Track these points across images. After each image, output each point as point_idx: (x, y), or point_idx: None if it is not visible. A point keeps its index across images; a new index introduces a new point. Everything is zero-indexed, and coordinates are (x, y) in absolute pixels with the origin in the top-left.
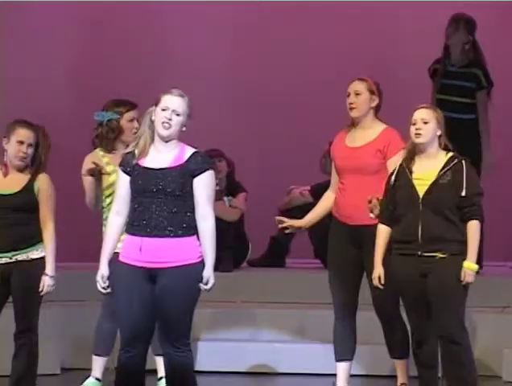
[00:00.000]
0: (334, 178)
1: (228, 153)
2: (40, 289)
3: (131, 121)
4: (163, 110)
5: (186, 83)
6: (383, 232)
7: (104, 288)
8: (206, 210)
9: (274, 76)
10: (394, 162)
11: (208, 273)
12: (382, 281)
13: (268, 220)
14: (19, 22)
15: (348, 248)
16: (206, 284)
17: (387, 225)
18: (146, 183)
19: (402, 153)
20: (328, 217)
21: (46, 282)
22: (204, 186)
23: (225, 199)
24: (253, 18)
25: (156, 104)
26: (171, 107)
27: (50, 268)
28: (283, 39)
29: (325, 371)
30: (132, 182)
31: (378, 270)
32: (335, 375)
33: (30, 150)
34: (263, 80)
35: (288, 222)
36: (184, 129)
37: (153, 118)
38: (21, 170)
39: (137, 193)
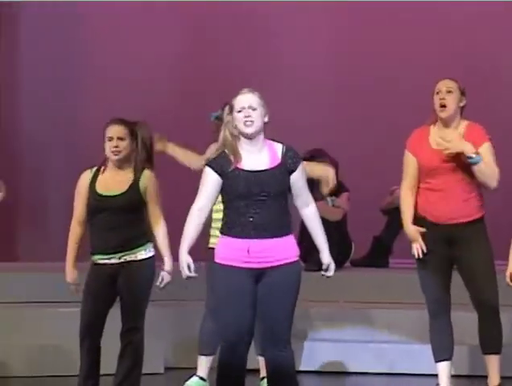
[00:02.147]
0: (413, 177)
1: (332, 152)
2: (160, 284)
3: None
4: (240, 111)
5: (289, 84)
6: None
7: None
8: (307, 197)
9: (378, 75)
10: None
11: (327, 258)
12: None
13: (371, 220)
14: (121, 23)
15: (439, 247)
16: (326, 270)
17: None
18: (249, 186)
19: (487, 145)
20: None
21: (164, 278)
22: (301, 178)
23: (328, 198)
24: (357, 17)
25: (231, 111)
26: (246, 104)
27: (168, 263)
28: (384, 38)
29: (426, 372)
30: (232, 186)
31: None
32: (435, 375)
33: (123, 144)
34: (367, 79)
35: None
36: (267, 119)
37: (234, 124)
38: (122, 167)
39: (237, 196)
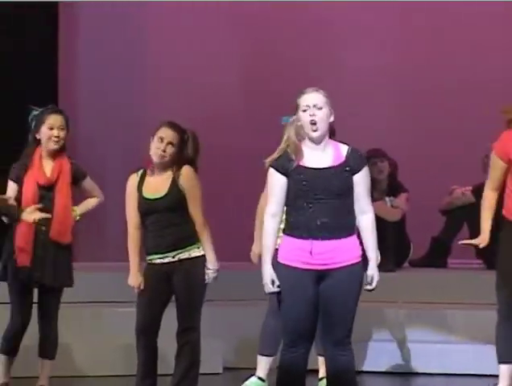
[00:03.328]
0: (498, 180)
1: (391, 153)
2: (205, 282)
3: None
4: (305, 111)
5: (352, 83)
6: None
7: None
8: (366, 205)
9: (442, 77)
10: None
11: (373, 270)
12: None
13: (430, 220)
14: (180, 22)
15: None
16: (371, 282)
17: None
18: (311, 183)
19: None
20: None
21: (209, 275)
22: (363, 182)
23: (387, 199)
24: (421, 17)
25: (296, 111)
26: (311, 103)
27: (211, 260)
28: (451, 39)
29: (486, 372)
30: (294, 183)
31: None
32: (496, 376)
33: (170, 149)
34: (431, 80)
35: (470, 241)
36: (332, 119)
37: (299, 124)
38: (165, 169)
39: (299, 194)
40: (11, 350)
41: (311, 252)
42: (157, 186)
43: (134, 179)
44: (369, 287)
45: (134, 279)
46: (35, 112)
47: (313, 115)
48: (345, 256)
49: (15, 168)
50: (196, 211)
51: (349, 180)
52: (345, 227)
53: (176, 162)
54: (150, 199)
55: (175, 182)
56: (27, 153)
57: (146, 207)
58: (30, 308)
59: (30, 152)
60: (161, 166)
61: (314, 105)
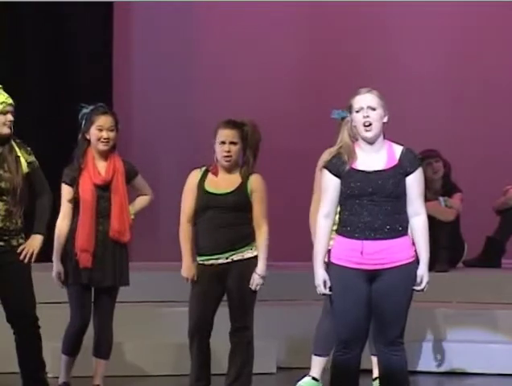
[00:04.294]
0: None
1: (445, 153)
2: (250, 287)
3: None
4: (358, 112)
5: (405, 83)
6: None
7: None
8: (419, 206)
9: (496, 77)
10: None
11: (422, 271)
12: None
13: (484, 220)
14: (233, 22)
15: None
16: (420, 283)
17: None
18: (363, 186)
19: None
20: None
21: (255, 281)
22: (416, 183)
23: (441, 199)
24: (472, 17)
25: (350, 111)
26: (365, 105)
27: (261, 267)
28: (506, 39)
29: None
30: (346, 186)
31: None
32: None
33: (234, 149)
34: (485, 80)
35: None
36: (385, 120)
37: (353, 124)
38: (231, 170)
39: (351, 196)
40: (72, 350)
41: (361, 252)
42: (222, 182)
43: (196, 173)
44: (418, 288)
45: (188, 270)
46: (84, 110)
47: (367, 116)
48: (397, 257)
49: (69, 171)
50: (261, 216)
51: (402, 182)
52: (397, 227)
53: (243, 160)
54: (212, 193)
55: (243, 184)
56: (79, 155)
57: (207, 200)
58: (89, 308)
59: (81, 153)
60: (229, 166)
61: (368, 106)
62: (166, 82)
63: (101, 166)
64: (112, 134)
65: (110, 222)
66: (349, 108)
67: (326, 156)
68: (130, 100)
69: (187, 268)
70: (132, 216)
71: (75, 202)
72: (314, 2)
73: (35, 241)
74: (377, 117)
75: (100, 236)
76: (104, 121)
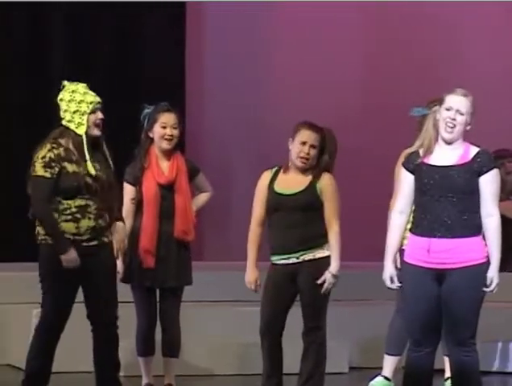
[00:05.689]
0: None
1: None
2: (320, 283)
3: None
4: (447, 110)
5: (480, 84)
6: None
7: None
8: (492, 207)
9: None
10: None
11: (493, 273)
12: None
13: None
14: (311, 22)
15: None
16: (490, 284)
17: None
18: (431, 181)
19: None
20: None
21: (328, 279)
22: (490, 184)
23: None
24: None
25: (440, 104)
26: (455, 107)
27: (334, 266)
28: None
29: None
30: (416, 181)
31: None
32: None
33: (313, 152)
34: None
35: None
36: (469, 128)
37: (438, 117)
38: (304, 171)
39: (421, 192)
40: (144, 350)
41: (428, 251)
42: (292, 183)
43: (267, 174)
44: (487, 289)
45: (251, 274)
46: (147, 110)
47: (453, 119)
48: (466, 256)
49: (131, 170)
50: (332, 216)
51: (474, 181)
52: (468, 227)
53: (317, 163)
54: (281, 194)
55: (312, 184)
56: (142, 154)
57: (276, 202)
58: (155, 308)
59: (144, 152)
60: (301, 168)
61: (457, 110)
62: (237, 82)
63: (165, 165)
64: (175, 132)
65: (174, 222)
66: (441, 102)
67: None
68: (202, 99)
69: (249, 272)
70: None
71: (138, 202)
72: (380, 3)
73: (122, 231)
74: (461, 122)
75: (163, 236)
76: (168, 118)
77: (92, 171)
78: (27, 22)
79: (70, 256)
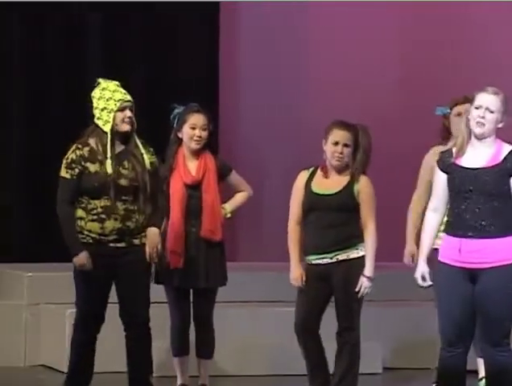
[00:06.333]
0: None
1: None
2: (357, 290)
3: (458, 115)
4: (477, 108)
5: (508, 85)
6: None
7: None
8: None
9: None
10: None
11: None
12: None
13: None
14: (336, 22)
15: None
16: None
17: None
18: (462, 183)
19: None
20: None
21: (363, 283)
22: None
23: None
24: None
25: (471, 103)
26: (484, 105)
27: (369, 269)
28: None
29: None
30: (449, 182)
31: None
32: None
33: (346, 151)
34: None
35: None
36: (500, 125)
37: (469, 116)
38: (340, 171)
39: (454, 192)
40: (179, 351)
41: (459, 250)
42: (329, 183)
43: (304, 174)
44: None
45: (295, 271)
46: (177, 110)
47: (482, 117)
48: (498, 256)
49: (162, 170)
50: (368, 217)
51: (505, 181)
52: (500, 227)
53: (354, 162)
54: (318, 194)
55: (350, 184)
56: (170, 154)
57: (313, 202)
58: (188, 308)
59: (173, 152)
60: (339, 166)
61: (486, 108)
62: (272, 82)
63: (192, 165)
64: (204, 133)
65: (202, 221)
66: (472, 99)
67: (430, 156)
68: (236, 99)
69: (294, 271)
70: (229, 215)
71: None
72: (417, 3)
73: (154, 237)
74: (491, 120)
75: (192, 236)
76: (197, 119)
77: (109, 170)
78: (63, 23)
79: (80, 260)
